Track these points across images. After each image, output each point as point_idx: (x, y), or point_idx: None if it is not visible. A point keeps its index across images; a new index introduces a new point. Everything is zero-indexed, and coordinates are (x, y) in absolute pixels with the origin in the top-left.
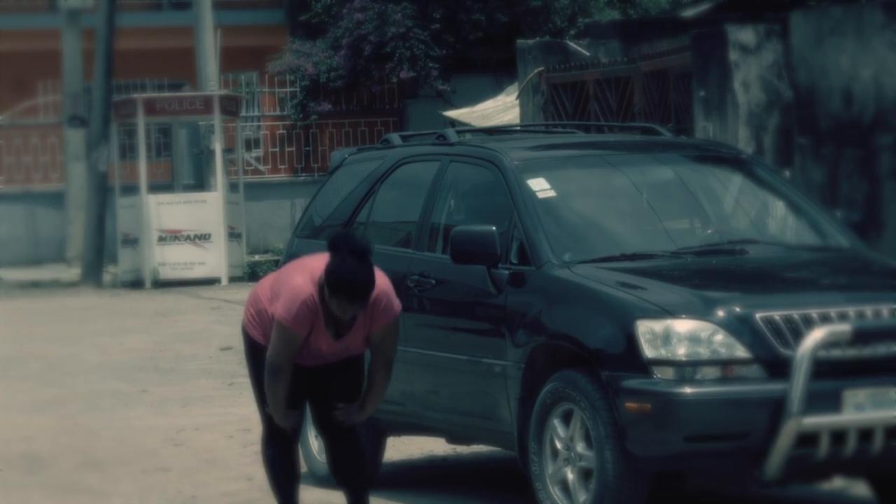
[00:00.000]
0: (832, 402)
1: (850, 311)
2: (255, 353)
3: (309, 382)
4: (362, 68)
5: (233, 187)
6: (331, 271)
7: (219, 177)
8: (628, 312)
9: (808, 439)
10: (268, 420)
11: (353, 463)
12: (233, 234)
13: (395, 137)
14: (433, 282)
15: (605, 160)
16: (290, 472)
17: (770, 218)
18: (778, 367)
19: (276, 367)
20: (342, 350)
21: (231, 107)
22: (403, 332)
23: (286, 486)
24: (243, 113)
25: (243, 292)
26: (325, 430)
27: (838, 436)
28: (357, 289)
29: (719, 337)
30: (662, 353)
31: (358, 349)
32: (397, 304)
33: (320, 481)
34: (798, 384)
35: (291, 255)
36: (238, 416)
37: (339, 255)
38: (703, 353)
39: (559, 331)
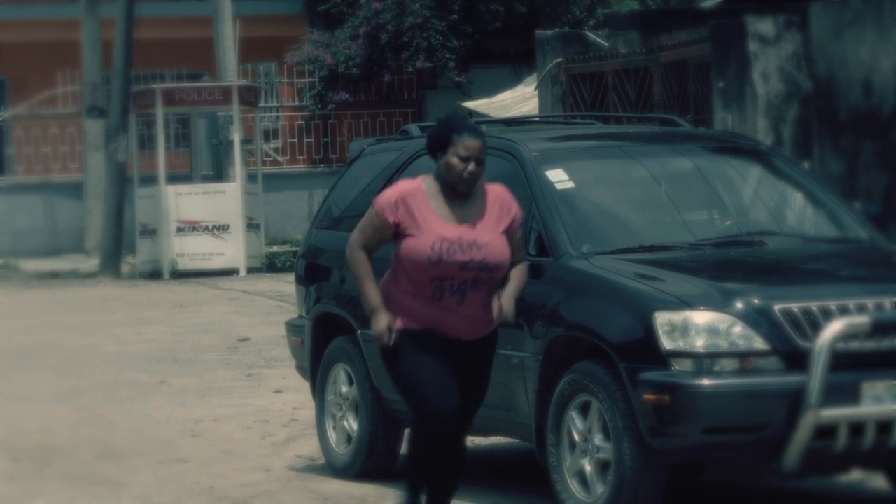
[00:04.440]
0: (850, 395)
1: (869, 303)
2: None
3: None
4: (378, 57)
5: (251, 178)
6: (435, 127)
7: (237, 167)
8: (647, 304)
9: (826, 431)
10: (416, 413)
11: (454, 463)
12: (251, 225)
13: (413, 128)
14: None
15: (623, 151)
16: (445, 472)
17: (789, 209)
18: (796, 359)
19: (350, 245)
20: (477, 249)
21: (250, 97)
22: None
23: (437, 486)
24: (262, 103)
25: (262, 283)
26: None
27: (856, 428)
28: (462, 118)
29: (738, 329)
30: (681, 344)
31: (499, 250)
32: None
33: (338, 472)
34: (816, 376)
35: (310, 246)
36: (256, 408)
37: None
38: (722, 344)
39: (577, 322)
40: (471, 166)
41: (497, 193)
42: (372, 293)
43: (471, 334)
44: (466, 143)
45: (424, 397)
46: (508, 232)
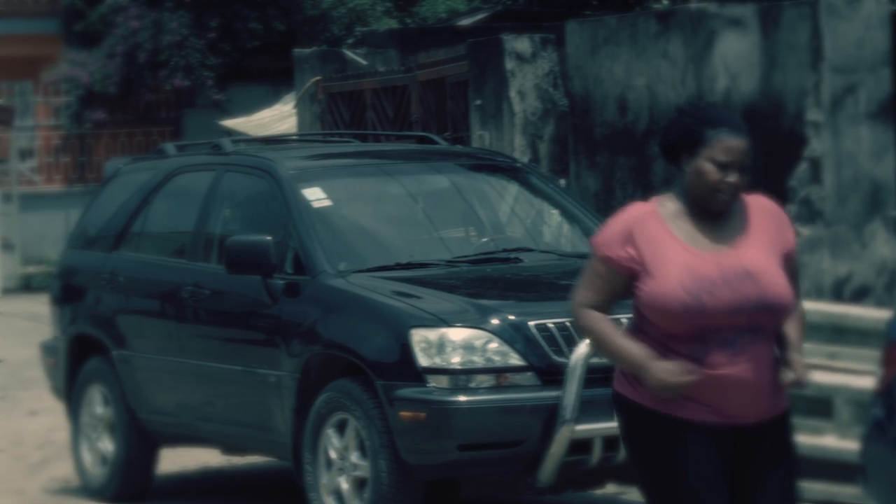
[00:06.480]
0: (605, 409)
1: (623, 318)
2: (632, 424)
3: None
4: (135, 76)
5: (6, 198)
6: (677, 117)
7: None
8: (403, 321)
9: (581, 446)
10: None
11: None
12: (6, 246)
13: (169, 147)
14: (208, 292)
15: (380, 169)
16: None
17: (545, 226)
18: (552, 375)
19: (575, 308)
20: (749, 282)
21: (4, 117)
22: (178, 343)
23: None
24: (17, 123)
25: (17, 304)
26: None
27: (611, 442)
28: (717, 108)
29: (493, 345)
30: (437, 361)
31: (779, 282)
32: None
33: (94, 494)
34: (571, 391)
35: (65, 266)
36: (10, 430)
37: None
38: (478, 361)
39: (334, 340)
40: (732, 177)
41: (765, 206)
42: (631, 347)
43: (751, 409)
44: (727, 144)
45: None
46: (786, 258)
